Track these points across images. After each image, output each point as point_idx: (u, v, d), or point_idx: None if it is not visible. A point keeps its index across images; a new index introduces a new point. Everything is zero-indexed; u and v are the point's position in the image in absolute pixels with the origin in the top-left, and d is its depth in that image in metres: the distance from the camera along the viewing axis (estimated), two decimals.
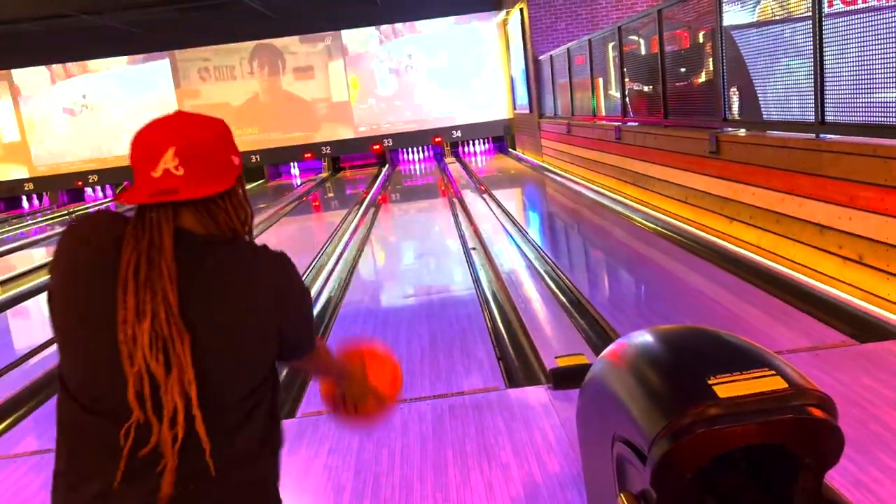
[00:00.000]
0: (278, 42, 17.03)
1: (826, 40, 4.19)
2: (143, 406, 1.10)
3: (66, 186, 17.74)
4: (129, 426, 1.10)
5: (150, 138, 1.21)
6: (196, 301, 1.15)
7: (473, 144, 17.98)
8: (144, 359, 1.10)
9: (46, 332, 5.58)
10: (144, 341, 1.11)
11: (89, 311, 1.15)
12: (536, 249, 6.60)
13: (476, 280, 5.75)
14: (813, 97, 4.34)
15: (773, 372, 1.40)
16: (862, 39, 3.89)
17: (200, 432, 1.11)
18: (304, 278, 6.31)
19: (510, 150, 17.25)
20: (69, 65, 17.13)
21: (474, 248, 6.88)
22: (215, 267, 1.19)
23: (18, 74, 17.10)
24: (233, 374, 1.17)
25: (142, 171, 1.21)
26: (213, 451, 1.12)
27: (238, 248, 1.24)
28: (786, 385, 1.37)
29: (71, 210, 16.41)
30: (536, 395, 3.26)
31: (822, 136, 4.35)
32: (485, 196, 10.50)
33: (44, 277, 7.99)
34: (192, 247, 1.18)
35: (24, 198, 18.07)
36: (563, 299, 4.95)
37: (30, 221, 15.18)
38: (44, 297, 7.17)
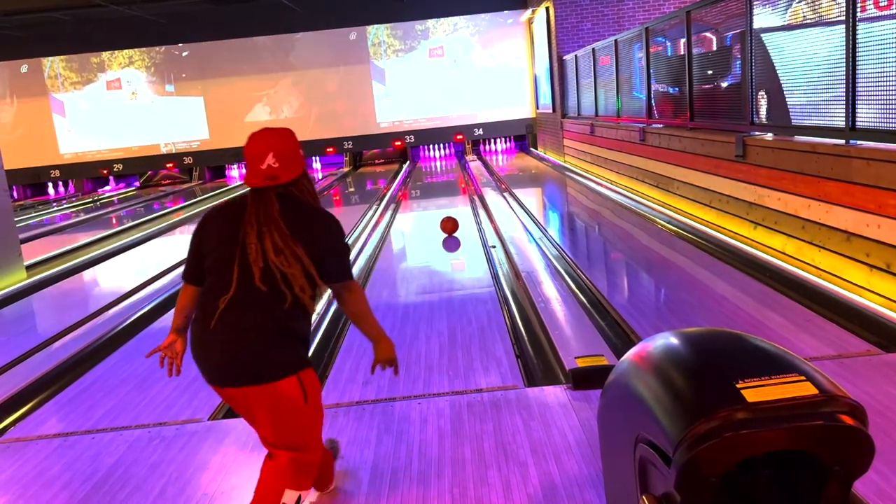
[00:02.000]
0: (303, 36, 17.10)
1: (859, 45, 4.13)
2: (263, 284, 2.03)
3: (91, 174, 17.95)
4: (228, 297, 2.03)
5: (258, 147, 2.12)
6: (292, 229, 2.07)
7: (495, 143, 17.95)
8: (274, 259, 2.03)
9: (69, 317, 5.66)
10: (270, 250, 2.03)
11: (226, 240, 2.09)
12: (557, 249, 6.58)
13: (495, 278, 5.74)
14: (844, 102, 4.28)
15: (803, 378, 1.38)
16: None
17: (303, 290, 2.06)
18: None
19: (532, 149, 17.20)
20: (97, 54, 17.32)
21: (494, 247, 6.87)
22: (298, 214, 2.12)
23: (47, 63, 17.33)
24: (303, 271, 2.07)
25: (253, 165, 2.10)
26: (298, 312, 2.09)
27: (309, 206, 2.18)
28: (816, 391, 1.35)
29: (95, 197, 16.60)
30: (555, 394, 3.25)
31: (852, 142, 4.29)
32: (505, 194, 10.48)
33: (66, 264, 8.10)
34: (286, 204, 2.11)
35: (49, 184, 18.33)
36: (583, 299, 4.93)
37: (55, 208, 15.38)
38: (65, 283, 7.28)
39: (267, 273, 2.03)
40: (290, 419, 2.10)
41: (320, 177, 17.00)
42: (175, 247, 9.29)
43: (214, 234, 2.14)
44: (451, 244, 7.60)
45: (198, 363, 2.11)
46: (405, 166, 16.79)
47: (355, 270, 6.42)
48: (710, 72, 6.92)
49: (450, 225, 7.65)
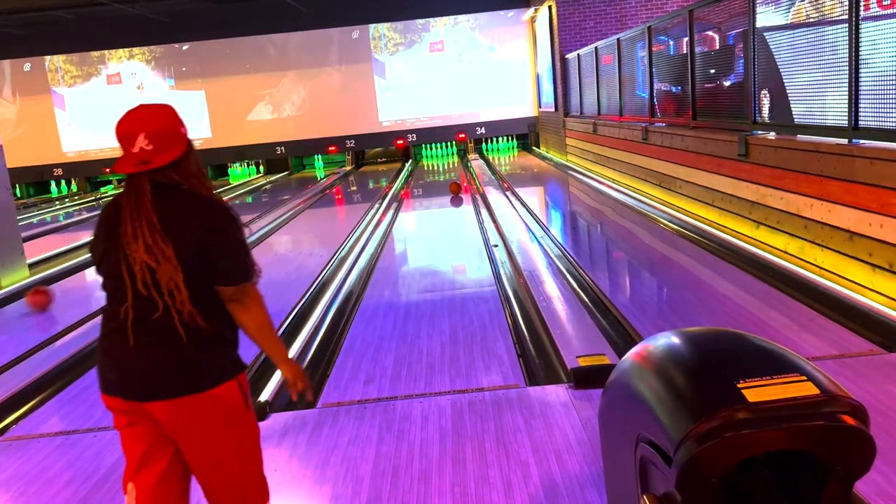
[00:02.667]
0: (305, 35, 17.09)
1: (862, 43, 4.12)
2: (146, 287, 1.76)
3: (93, 173, 17.96)
4: (128, 305, 1.77)
5: (128, 127, 1.83)
6: (167, 222, 1.77)
7: (497, 141, 17.93)
8: (145, 258, 1.75)
9: (72, 315, 5.67)
10: (141, 248, 1.75)
11: (108, 240, 1.83)
12: (559, 248, 6.57)
13: (497, 277, 5.73)
14: (846, 101, 4.27)
15: (804, 378, 1.38)
16: None
17: (185, 299, 1.77)
18: (325, 270, 6.34)
19: (534, 147, 17.18)
20: (99, 52, 17.33)
21: (496, 246, 6.86)
22: (176, 203, 1.82)
23: (50, 61, 17.34)
24: (185, 269, 1.78)
25: (125, 149, 1.83)
26: (182, 316, 1.77)
27: (191, 194, 1.85)
28: (817, 391, 1.35)
29: (98, 195, 16.62)
30: (557, 394, 3.25)
31: (854, 141, 4.28)
32: (507, 193, 10.47)
33: (69, 262, 8.11)
34: (164, 191, 1.82)
35: (52, 183, 18.34)
36: (585, 298, 4.93)
37: (58, 206, 15.40)
38: (67, 281, 7.29)
39: (151, 275, 1.76)
40: (231, 431, 1.83)
41: (322, 175, 17.00)
42: None
43: (101, 235, 1.88)
44: (453, 244, 7.59)
45: (109, 378, 1.83)
46: (407, 165, 16.79)
47: (357, 270, 6.42)
48: (712, 71, 6.91)
49: (456, 187, 10.12)
